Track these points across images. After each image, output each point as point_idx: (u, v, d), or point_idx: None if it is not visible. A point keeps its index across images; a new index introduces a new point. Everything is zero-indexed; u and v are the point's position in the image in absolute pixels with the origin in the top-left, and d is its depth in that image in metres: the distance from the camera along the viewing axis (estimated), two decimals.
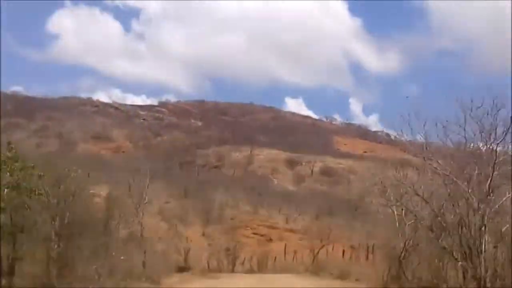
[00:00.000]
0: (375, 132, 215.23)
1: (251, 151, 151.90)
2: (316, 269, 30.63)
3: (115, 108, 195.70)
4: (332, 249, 33.34)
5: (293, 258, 35.39)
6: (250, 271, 36.22)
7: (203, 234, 57.33)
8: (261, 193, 78.33)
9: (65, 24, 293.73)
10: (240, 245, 54.68)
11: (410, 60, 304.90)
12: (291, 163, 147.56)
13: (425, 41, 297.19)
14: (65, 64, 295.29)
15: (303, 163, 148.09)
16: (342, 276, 28.94)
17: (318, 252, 32.05)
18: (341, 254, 35.05)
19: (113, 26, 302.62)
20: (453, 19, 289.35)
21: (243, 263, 38.74)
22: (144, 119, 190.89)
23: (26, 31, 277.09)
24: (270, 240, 62.45)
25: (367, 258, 32.78)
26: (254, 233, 64.42)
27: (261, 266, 36.25)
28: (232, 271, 37.00)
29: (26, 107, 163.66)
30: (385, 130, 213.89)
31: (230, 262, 37.44)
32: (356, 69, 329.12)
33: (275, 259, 37.28)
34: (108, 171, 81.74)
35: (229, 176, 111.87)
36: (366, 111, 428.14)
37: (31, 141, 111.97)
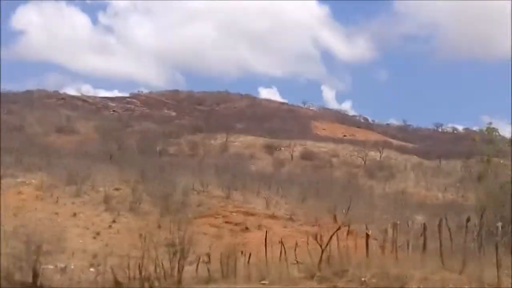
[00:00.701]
0: (353, 116, 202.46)
1: (226, 139, 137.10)
2: (329, 273, 15.02)
3: (83, 101, 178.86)
4: (337, 237, 18.22)
5: (281, 253, 19.00)
6: (206, 279, 20.33)
7: (159, 226, 41.26)
8: (236, 175, 62.07)
9: (30, 19, 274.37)
10: (205, 238, 39.11)
11: (378, 46, 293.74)
12: (269, 149, 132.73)
13: (392, 27, 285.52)
14: (32, 60, 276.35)
15: (282, 148, 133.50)
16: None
17: (328, 243, 16.13)
18: (353, 244, 19.66)
19: (81, 20, 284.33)
20: (417, 4, 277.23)
21: (198, 264, 22.84)
22: (114, 111, 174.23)
23: None
24: (246, 229, 46.64)
25: (395, 249, 17.29)
26: (226, 222, 48.55)
27: (227, 268, 20.38)
28: (179, 280, 21.18)
29: None
30: (363, 115, 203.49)
31: (177, 263, 21.65)
32: (327, 57, 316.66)
33: (249, 257, 21.12)
34: (54, 158, 65.59)
35: (198, 160, 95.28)
36: (339, 98, 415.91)
37: None
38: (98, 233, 42.11)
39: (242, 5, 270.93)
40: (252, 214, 50.41)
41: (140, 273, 22.10)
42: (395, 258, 16.79)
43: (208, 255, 22.21)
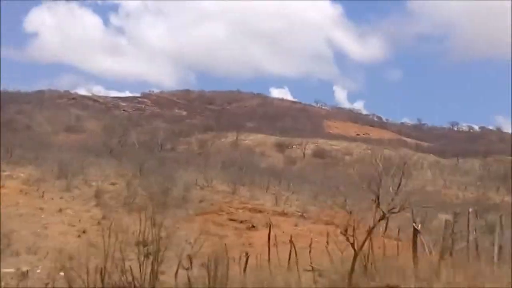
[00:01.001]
0: (366, 115, 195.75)
1: (237, 137, 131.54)
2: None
3: (94, 101, 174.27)
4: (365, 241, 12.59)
5: (290, 255, 12.77)
6: None
7: (154, 224, 35.39)
8: (243, 170, 56.16)
9: (42, 21, 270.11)
10: (205, 237, 33.08)
11: (391, 46, 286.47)
12: (280, 147, 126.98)
13: (405, 27, 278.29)
14: (45, 62, 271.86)
15: (294, 146, 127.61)
16: None
17: (363, 245, 10.19)
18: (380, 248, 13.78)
19: (92, 21, 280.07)
20: (431, 3, 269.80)
21: (177, 271, 16.93)
22: (124, 110, 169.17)
23: (3, 30, 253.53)
24: (252, 227, 40.67)
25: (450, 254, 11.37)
26: (231, 219, 42.60)
27: (214, 276, 14.53)
28: None
29: None
30: (377, 114, 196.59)
31: (150, 270, 15.92)
32: (339, 57, 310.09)
33: (246, 261, 15.16)
34: (47, 152, 60.14)
35: (204, 156, 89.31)
36: (351, 98, 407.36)
37: None
38: (84, 231, 36.25)
39: (254, 5, 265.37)
40: (260, 211, 44.50)
41: (102, 281, 16.38)
42: (454, 266, 10.92)
43: (190, 259, 16.34)
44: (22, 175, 47.15)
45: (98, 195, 43.02)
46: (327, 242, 15.99)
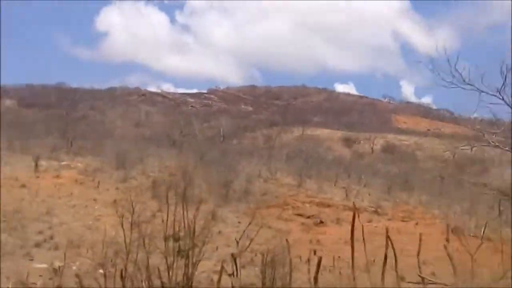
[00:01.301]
0: (436, 110, 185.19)
1: (303, 132, 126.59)
2: None
3: (163, 97, 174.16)
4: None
5: (386, 258, 7.91)
6: None
7: (213, 217, 31.67)
8: (310, 162, 51.49)
9: (112, 21, 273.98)
10: (268, 233, 29.41)
11: (460, 38, 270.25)
12: (347, 142, 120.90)
13: (475, 17, 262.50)
14: (116, 61, 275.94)
15: (362, 141, 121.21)
16: None
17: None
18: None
19: (159, 19, 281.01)
20: None
21: (221, 269, 12.73)
22: (192, 106, 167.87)
23: (75, 30, 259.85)
24: (321, 223, 36.12)
25: None
26: (297, 214, 38.18)
27: (272, 280, 10.22)
28: None
29: (70, 98, 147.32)
30: (447, 109, 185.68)
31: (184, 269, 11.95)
32: (406, 51, 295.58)
33: (318, 264, 10.39)
34: (108, 143, 57.85)
35: (268, 147, 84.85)
36: (419, 92, 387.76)
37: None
38: (138, 224, 32.97)
39: None
40: (328, 206, 39.83)
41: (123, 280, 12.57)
42: None
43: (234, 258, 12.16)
44: (79, 165, 44.77)
45: (155, 186, 39.80)
46: (445, 244, 11.11)
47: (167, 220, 15.74)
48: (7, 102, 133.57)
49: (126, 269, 14.54)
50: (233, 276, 12.67)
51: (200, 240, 13.21)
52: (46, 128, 64.56)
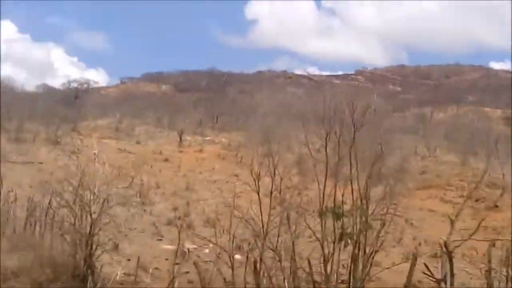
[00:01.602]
0: None
1: (457, 110, 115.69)
2: None
3: (309, 79, 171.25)
4: None
5: None
6: None
7: (364, 199, 27.10)
8: (473, 138, 44.29)
9: (261, 8, 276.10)
10: (431, 218, 24.22)
11: None
12: (508, 121, 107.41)
13: None
14: (264, 46, 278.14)
15: None
16: None
17: None
18: None
19: (306, 5, 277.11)
20: None
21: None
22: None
23: (226, 19, 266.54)
24: (495, 207, 29.70)
25: None
26: (463, 196, 31.97)
27: None
28: None
29: (220, 83, 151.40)
30: None
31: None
32: None
33: None
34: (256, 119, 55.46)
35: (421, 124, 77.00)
36: None
37: None
38: (280, 202, 29.53)
39: None
40: (503, 187, 33.02)
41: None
42: None
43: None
44: (224, 140, 42.73)
45: (301, 162, 36.03)
46: None
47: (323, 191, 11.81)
48: (164, 87, 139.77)
49: (261, 260, 10.80)
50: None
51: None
52: (195, 108, 64.53)
